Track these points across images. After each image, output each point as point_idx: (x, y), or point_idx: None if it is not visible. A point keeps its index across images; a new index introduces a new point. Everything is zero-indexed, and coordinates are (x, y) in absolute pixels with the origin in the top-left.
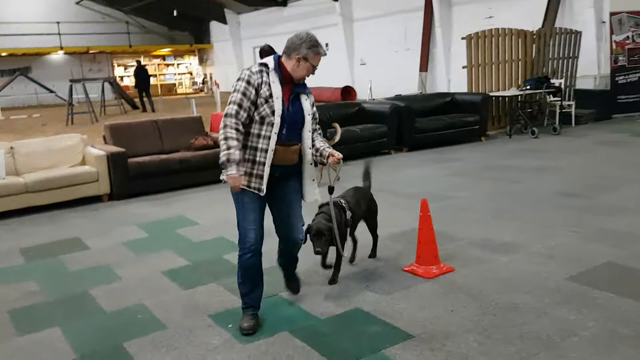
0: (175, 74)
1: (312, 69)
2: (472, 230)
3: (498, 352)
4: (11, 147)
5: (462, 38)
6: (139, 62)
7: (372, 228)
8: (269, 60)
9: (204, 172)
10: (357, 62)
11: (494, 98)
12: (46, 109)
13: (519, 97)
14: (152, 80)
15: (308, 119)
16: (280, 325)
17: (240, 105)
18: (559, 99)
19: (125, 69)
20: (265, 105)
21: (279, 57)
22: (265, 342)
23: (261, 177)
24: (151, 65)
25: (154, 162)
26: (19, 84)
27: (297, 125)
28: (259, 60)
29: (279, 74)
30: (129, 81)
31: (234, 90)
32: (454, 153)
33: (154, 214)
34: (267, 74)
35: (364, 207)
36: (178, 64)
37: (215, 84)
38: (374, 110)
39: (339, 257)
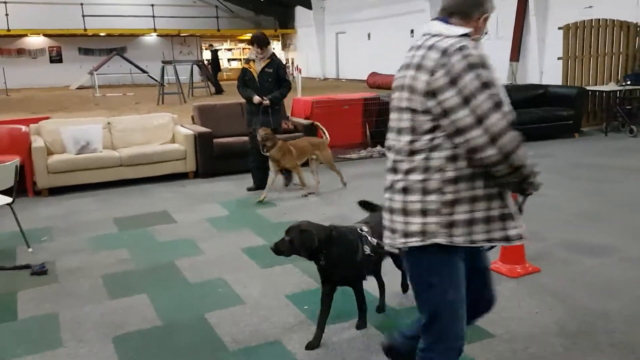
0: None
1: None
2: (561, 231)
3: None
4: (108, 123)
5: (559, 28)
6: (211, 46)
7: (400, 263)
8: (458, 29)
9: None
10: None
11: (590, 92)
12: (139, 88)
13: (618, 92)
14: (237, 64)
15: None
16: (355, 310)
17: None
18: None
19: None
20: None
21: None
22: (341, 326)
23: (501, 219)
24: (236, 50)
25: (237, 143)
26: (115, 63)
27: None
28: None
29: None
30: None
31: (486, 86)
32: (545, 148)
33: (235, 194)
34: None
35: None
36: None
37: (297, 69)
38: None
39: (360, 298)
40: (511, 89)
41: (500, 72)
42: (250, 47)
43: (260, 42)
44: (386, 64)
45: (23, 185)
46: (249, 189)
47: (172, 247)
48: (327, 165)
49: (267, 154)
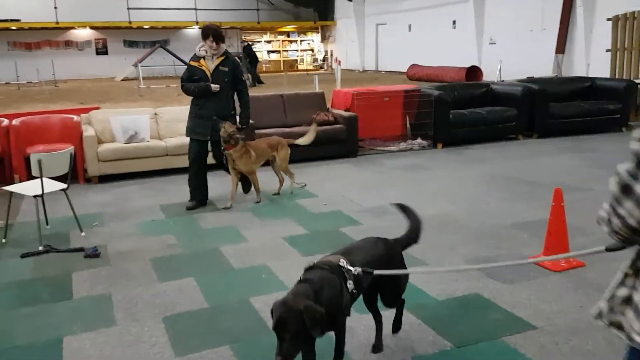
0: (297, 51)
1: None
2: None
3: None
4: (155, 113)
5: (608, 19)
6: (246, 41)
7: (391, 301)
8: None
9: (323, 146)
10: (486, 41)
11: (639, 85)
12: None
13: None
14: (276, 57)
15: None
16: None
17: None
18: None
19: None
20: None
21: None
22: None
23: None
24: (275, 42)
25: (277, 134)
26: (158, 55)
27: None
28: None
29: None
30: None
31: None
32: (591, 142)
33: (276, 183)
34: None
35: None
36: (301, 41)
37: (337, 61)
38: (504, 92)
39: (340, 341)
40: (557, 82)
41: (545, 64)
42: (203, 41)
43: (217, 36)
44: (427, 55)
45: (74, 173)
46: (189, 208)
47: (217, 234)
48: (279, 165)
49: (227, 152)
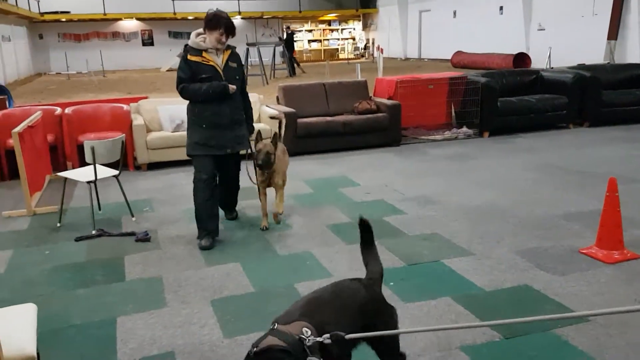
0: (338, 39)
1: None
2: None
3: None
4: None
5: None
6: (289, 28)
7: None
8: None
9: (365, 135)
10: (534, 28)
11: None
12: None
13: None
14: (316, 46)
15: None
16: (444, 290)
17: None
18: None
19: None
20: None
21: None
22: (427, 304)
23: None
24: (317, 31)
25: (320, 123)
26: None
27: None
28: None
29: None
30: (296, 46)
31: None
32: None
33: (319, 172)
34: None
35: (358, 325)
36: (342, 29)
37: (379, 49)
38: (554, 80)
39: None
40: (609, 69)
41: (596, 51)
42: (208, 31)
43: (231, 29)
44: (472, 42)
45: (124, 160)
46: (207, 247)
47: (261, 221)
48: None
49: (266, 170)
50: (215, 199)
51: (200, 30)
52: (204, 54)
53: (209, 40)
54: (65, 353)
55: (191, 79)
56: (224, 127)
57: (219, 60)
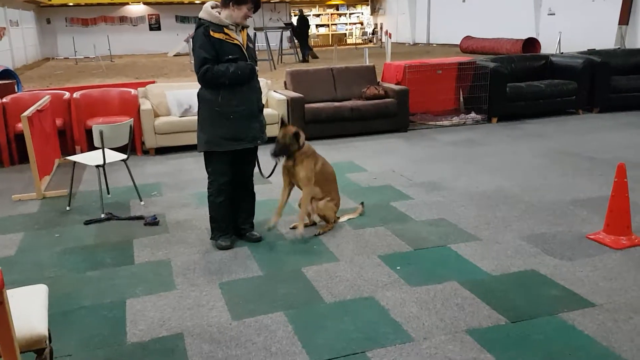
0: (346, 24)
1: None
2: None
3: None
4: None
5: None
6: (301, 11)
7: None
8: None
9: (373, 121)
10: (544, 12)
11: None
12: None
13: None
14: (324, 30)
15: None
16: (450, 274)
17: None
18: None
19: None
20: None
21: None
22: (433, 288)
23: None
24: (325, 15)
25: (327, 108)
26: None
27: None
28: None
29: None
30: None
31: None
32: None
33: (326, 158)
34: None
35: None
36: (350, 14)
37: (387, 34)
38: (563, 65)
39: None
40: (620, 54)
41: (607, 36)
42: (231, 7)
43: (259, 2)
44: (481, 27)
45: (132, 145)
46: (226, 247)
47: (268, 206)
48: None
49: (287, 160)
50: (230, 199)
51: (214, 2)
52: (226, 30)
53: (234, 16)
54: (76, 333)
55: (213, 59)
56: (252, 116)
57: (240, 39)
